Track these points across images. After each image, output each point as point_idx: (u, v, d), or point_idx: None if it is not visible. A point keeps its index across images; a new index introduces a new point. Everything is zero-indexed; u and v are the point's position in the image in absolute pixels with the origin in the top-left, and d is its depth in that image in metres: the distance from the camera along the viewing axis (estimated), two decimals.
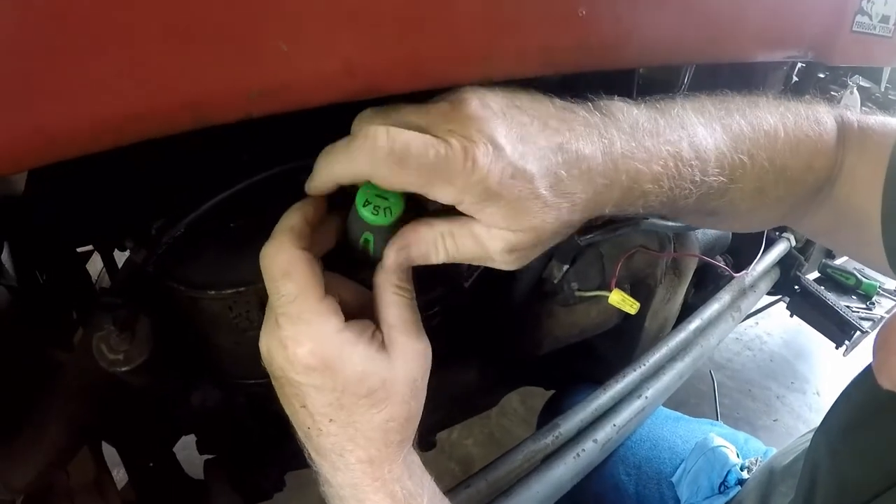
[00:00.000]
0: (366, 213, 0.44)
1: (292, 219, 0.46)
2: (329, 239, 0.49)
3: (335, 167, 0.43)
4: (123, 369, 0.58)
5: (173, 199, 0.58)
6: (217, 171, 0.56)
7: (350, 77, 0.39)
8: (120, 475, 0.96)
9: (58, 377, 0.72)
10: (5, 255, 0.80)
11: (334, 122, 0.46)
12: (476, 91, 0.43)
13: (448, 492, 0.67)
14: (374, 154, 0.40)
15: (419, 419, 0.51)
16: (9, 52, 0.27)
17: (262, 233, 0.47)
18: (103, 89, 0.31)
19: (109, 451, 0.94)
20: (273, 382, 0.48)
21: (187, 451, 1.03)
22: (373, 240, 0.47)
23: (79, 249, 0.86)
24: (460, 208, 0.42)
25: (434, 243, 0.45)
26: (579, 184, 0.44)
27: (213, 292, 0.58)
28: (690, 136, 0.50)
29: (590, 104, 0.48)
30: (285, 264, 0.44)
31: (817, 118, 0.61)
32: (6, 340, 0.78)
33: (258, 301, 0.59)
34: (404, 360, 0.48)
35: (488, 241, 0.44)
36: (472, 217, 0.43)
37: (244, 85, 0.35)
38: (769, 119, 0.57)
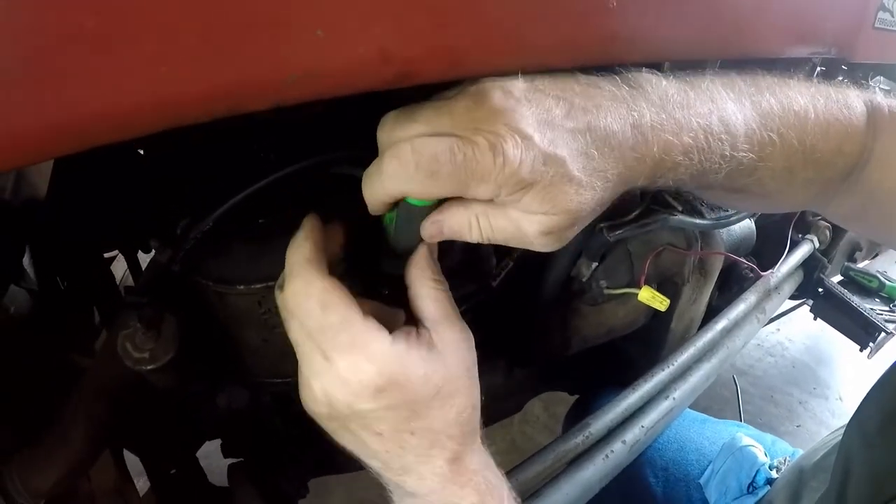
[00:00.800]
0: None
1: (304, 250, 0.45)
2: (334, 250, 0.49)
3: (375, 192, 0.43)
4: (149, 367, 0.58)
5: (198, 198, 0.57)
6: (243, 167, 0.56)
7: (385, 64, 0.38)
8: (141, 484, 0.96)
9: (80, 382, 0.71)
10: (26, 259, 0.81)
11: (361, 116, 0.46)
12: (496, 80, 0.42)
13: None
14: (405, 172, 0.39)
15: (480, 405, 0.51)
16: (46, 40, 0.27)
17: (290, 228, 0.47)
18: (138, 74, 0.30)
19: (132, 460, 0.94)
20: (329, 427, 0.48)
21: (209, 459, 1.03)
22: (395, 219, 0.47)
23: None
24: (497, 201, 0.42)
25: (468, 221, 0.44)
26: (611, 160, 0.43)
27: (242, 287, 0.57)
28: (720, 110, 0.50)
29: (616, 77, 0.47)
30: (321, 295, 0.43)
31: (847, 102, 0.61)
32: (27, 345, 0.79)
33: None
34: (454, 350, 0.47)
35: (524, 223, 0.43)
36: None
37: (280, 70, 0.35)
38: (800, 100, 0.56)
